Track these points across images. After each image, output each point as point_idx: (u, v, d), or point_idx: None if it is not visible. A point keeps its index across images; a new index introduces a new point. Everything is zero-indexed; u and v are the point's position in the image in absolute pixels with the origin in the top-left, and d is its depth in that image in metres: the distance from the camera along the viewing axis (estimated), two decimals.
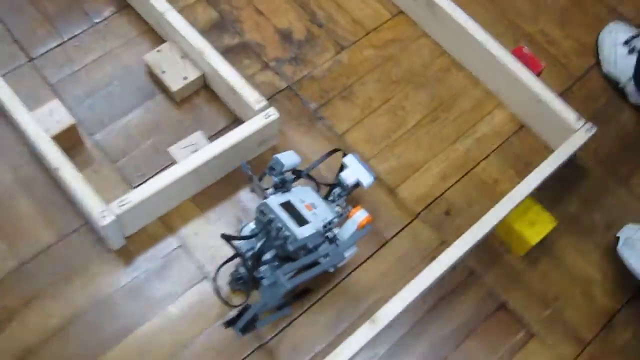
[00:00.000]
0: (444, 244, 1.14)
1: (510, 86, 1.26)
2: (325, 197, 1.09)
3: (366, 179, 1.08)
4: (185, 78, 1.23)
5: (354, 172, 1.08)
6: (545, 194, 1.17)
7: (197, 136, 1.16)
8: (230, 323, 1.01)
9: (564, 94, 1.33)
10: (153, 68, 1.24)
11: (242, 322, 0.98)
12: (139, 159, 1.18)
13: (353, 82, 1.31)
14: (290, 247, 0.96)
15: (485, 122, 1.29)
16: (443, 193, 1.21)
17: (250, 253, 1.01)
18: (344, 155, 1.10)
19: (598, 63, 1.38)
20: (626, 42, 1.34)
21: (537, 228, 1.13)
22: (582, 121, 1.20)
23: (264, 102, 1.14)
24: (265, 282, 1.00)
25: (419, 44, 1.36)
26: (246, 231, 1.04)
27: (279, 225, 0.97)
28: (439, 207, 1.20)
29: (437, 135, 1.27)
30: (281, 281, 0.94)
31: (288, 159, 1.04)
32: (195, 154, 1.12)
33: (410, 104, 1.29)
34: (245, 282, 1.03)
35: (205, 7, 1.35)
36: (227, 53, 1.30)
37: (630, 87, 1.32)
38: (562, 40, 1.41)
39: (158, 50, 1.25)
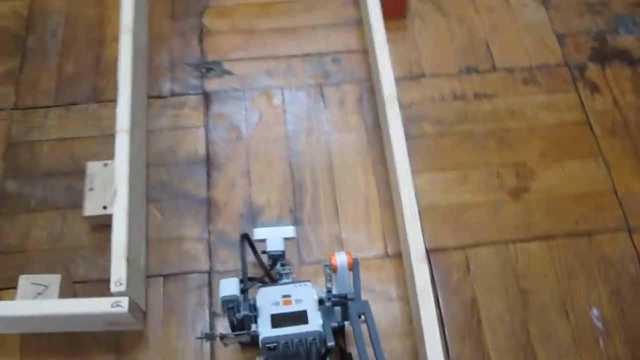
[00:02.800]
0: None
1: None
2: (274, 281, 0.97)
3: (289, 232, 1.02)
4: (104, 208, 1.07)
5: (274, 235, 1.00)
6: None
7: (54, 280, 1.00)
8: None
9: None
10: (87, 179, 1.09)
11: None
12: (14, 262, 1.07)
13: None
14: (331, 343, 0.84)
15: None
16: None
17: None
18: (245, 237, 0.98)
19: None
20: None
21: None
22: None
23: (122, 287, 0.94)
24: None
25: (388, 307, 1.04)
26: None
27: (296, 340, 0.85)
28: None
29: None
30: None
31: (232, 288, 0.89)
32: (34, 300, 0.96)
33: None
34: None
35: (197, 139, 1.17)
36: (176, 198, 1.12)
37: None
38: None
39: (105, 164, 1.10)
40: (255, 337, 0.87)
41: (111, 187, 1.07)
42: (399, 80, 1.22)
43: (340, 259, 0.90)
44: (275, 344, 0.85)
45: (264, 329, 0.86)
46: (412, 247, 0.99)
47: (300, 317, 0.86)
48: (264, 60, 1.27)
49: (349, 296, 0.89)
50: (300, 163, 1.15)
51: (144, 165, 1.14)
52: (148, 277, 1.06)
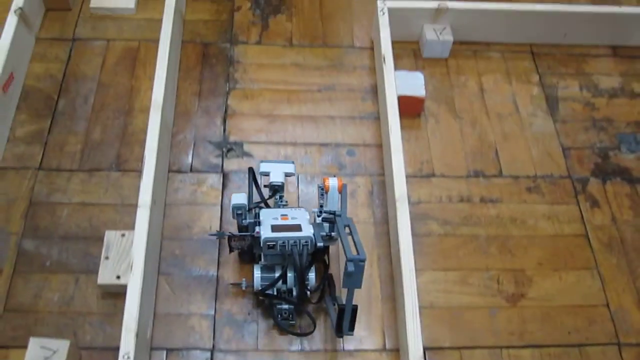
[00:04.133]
0: None
1: None
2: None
3: (290, 168, 1.17)
4: (118, 277, 1.11)
5: (277, 169, 1.16)
6: None
7: (62, 346, 1.03)
8: (339, 331, 1.05)
9: None
10: (104, 247, 1.14)
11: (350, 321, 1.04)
12: (23, 321, 1.10)
13: None
14: (321, 243, 1.06)
15: None
16: None
17: (287, 283, 1.08)
18: (250, 171, 1.16)
19: None
20: None
21: None
22: None
23: None
24: (349, 266, 0.97)
25: None
26: (257, 273, 1.09)
27: (292, 241, 1.04)
28: None
29: None
30: (362, 256, 0.97)
31: (241, 199, 1.10)
32: None
33: None
34: (292, 314, 1.09)
35: (212, 217, 1.22)
36: (187, 274, 1.15)
37: None
38: None
39: (122, 235, 1.15)
40: (257, 239, 1.05)
41: (126, 259, 1.12)
42: (409, 177, 1.28)
43: (332, 182, 1.10)
44: (274, 243, 1.04)
45: (265, 232, 1.05)
46: (410, 345, 1.03)
47: (295, 228, 1.06)
48: (283, 145, 1.33)
49: (337, 213, 1.08)
50: None
51: (159, 238, 1.18)
52: (152, 349, 1.09)
